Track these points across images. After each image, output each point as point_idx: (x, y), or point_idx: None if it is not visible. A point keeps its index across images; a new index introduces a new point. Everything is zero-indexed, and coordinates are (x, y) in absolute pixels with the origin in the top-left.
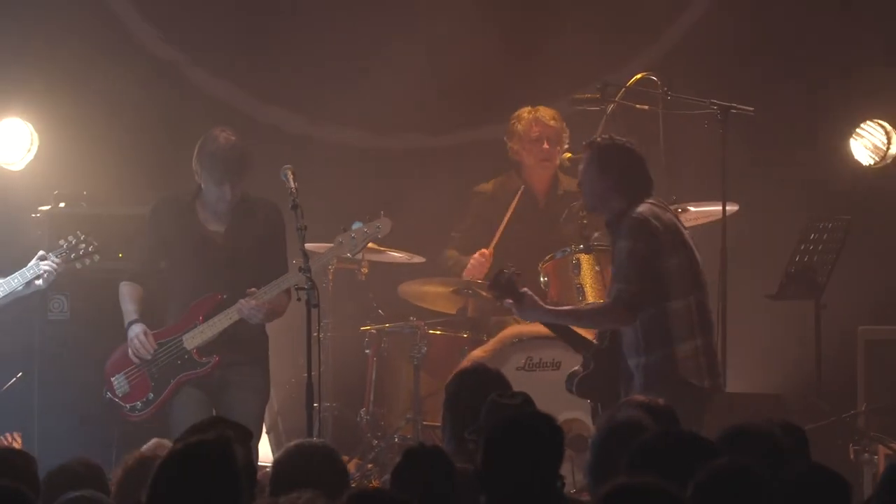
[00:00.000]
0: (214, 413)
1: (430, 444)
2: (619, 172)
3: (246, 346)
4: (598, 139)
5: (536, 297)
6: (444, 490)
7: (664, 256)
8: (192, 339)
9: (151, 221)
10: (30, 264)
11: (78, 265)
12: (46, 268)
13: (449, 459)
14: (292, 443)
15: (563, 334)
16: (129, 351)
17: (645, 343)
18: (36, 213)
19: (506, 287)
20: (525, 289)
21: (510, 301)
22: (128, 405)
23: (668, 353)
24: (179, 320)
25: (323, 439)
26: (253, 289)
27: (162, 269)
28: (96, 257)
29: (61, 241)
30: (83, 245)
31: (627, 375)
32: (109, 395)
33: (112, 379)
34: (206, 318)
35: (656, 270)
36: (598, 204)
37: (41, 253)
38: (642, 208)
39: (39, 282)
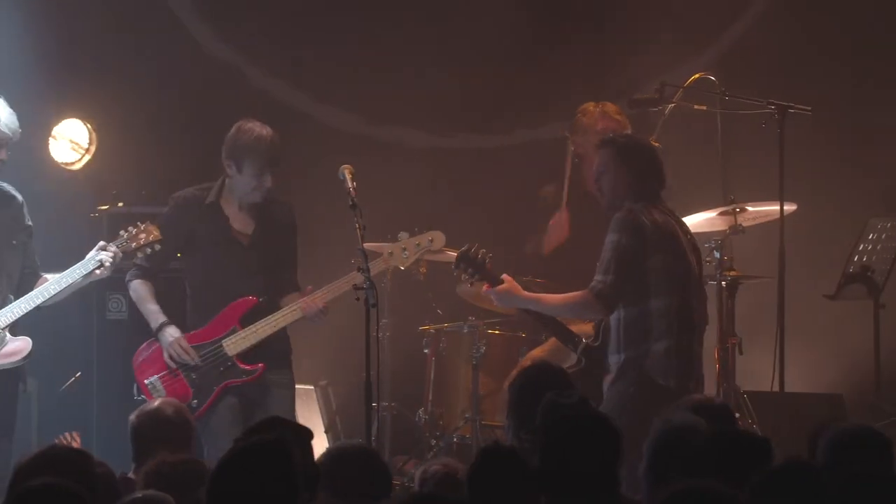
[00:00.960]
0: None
1: (505, 444)
2: (639, 171)
3: (275, 345)
4: (618, 137)
5: (516, 283)
6: (517, 490)
7: (648, 253)
8: (234, 346)
9: (170, 219)
10: (90, 254)
11: (139, 255)
12: (106, 256)
13: (523, 459)
14: (333, 445)
15: (552, 327)
16: (166, 354)
17: (624, 341)
18: (95, 213)
19: (478, 266)
20: (505, 274)
21: (486, 285)
22: None
23: (644, 351)
24: (211, 323)
25: (360, 440)
26: (310, 287)
27: (171, 268)
28: (157, 247)
29: (121, 231)
30: (144, 234)
31: (608, 370)
32: (143, 397)
33: (145, 381)
34: (243, 323)
35: (638, 266)
36: (618, 202)
37: (101, 243)
38: (637, 206)
39: (100, 271)
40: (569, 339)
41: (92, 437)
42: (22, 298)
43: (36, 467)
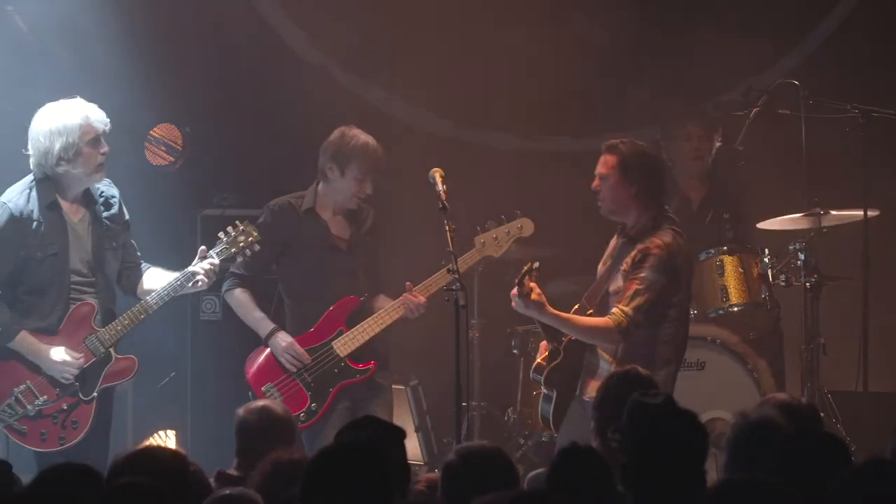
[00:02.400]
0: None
1: (584, 443)
2: (643, 182)
3: (377, 345)
4: (621, 143)
5: (544, 300)
6: (598, 489)
7: (676, 291)
8: (345, 347)
9: (268, 227)
10: (193, 263)
11: (239, 258)
12: (206, 267)
13: (602, 458)
14: (461, 446)
15: (543, 325)
16: (282, 360)
17: (623, 356)
18: (190, 215)
19: (522, 276)
20: (533, 284)
21: (515, 288)
22: None
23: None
24: (317, 327)
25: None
26: (410, 283)
27: (269, 275)
28: (256, 247)
29: (220, 235)
30: (242, 236)
31: (589, 369)
32: None
33: (262, 389)
34: (349, 324)
35: (664, 304)
36: (616, 210)
37: (202, 249)
38: (668, 238)
39: (200, 284)
40: (554, 336)
41: (186, 436)
42: (126, 314)
43: (131, 465)
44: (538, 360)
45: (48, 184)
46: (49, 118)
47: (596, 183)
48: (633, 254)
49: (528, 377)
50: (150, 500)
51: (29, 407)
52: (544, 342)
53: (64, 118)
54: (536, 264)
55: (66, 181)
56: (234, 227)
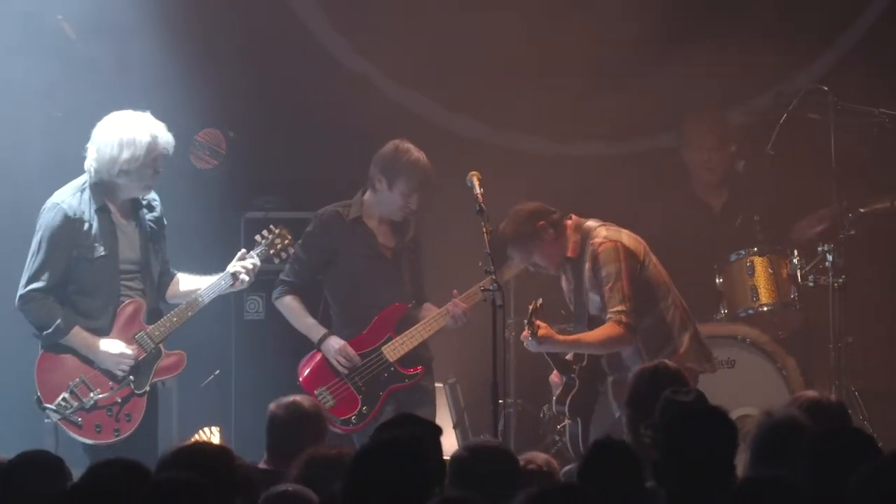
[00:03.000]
0: None
1: (617, 438)
2: (546, 234)
3: (423, 351)
4: (508, 232)
5: (552, 331)
6: (629, 483)
7: (640, 266)
8: (394, 352)
9: (317, 235)
10: (232, 263)
11: (276, 260)
12: (248, 266)
13: (634, 453)
14: (469, 442)
15: (553, 356)
16: (333, 363)
17: (647, 349)
18: (234, 217)
19: (530, 317)
20: (539, 322)
21: (525, 332)
22: (340, 419)
23: (673, 349)
24: (366, 332)
25: (497, 439)
26: (456, 291)
27: (319, 282)
28: (291, 249)
29: (257, 238)
30: (279, 239)
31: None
32: None
33: (315, 392)
34: (398, 329)
35: (640, 282)
36: (560, 262)
37: (242, 252)
38: (597, 232)
39: (243, 282)
40: (565, 368)
41: (230, 433)
42: (174, 312)
43: (179, 460)
44: (557, 394)
45: (101, 188)
46: (120, 129)
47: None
48: (586, 268)
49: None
50: (192, 495)
51: (84, 400)
52: (555, 375)
53: (135, 132)
54: (540, 301)
55: (119, 189)
56: (270, 230)
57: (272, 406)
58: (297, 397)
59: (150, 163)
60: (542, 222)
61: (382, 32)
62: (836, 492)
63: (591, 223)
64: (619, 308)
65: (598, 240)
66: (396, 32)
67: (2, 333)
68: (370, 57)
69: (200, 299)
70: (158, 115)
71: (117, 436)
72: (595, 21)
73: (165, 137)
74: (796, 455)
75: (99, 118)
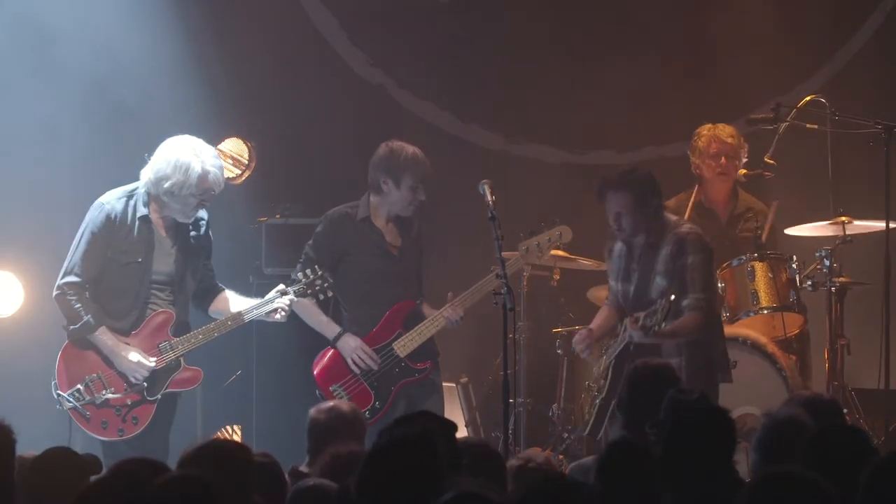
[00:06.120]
0: None
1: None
2: (655, 206)
3: (430, 346)
4: (631, 180)
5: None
6: (643, 481)
7: (713, 261)
8: (404, 348)
9: (327, 235)
10: (269, 296)
11: (312, 300)
12: (287, 303)
13: (649, 452)
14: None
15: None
16: (349, 361)
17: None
18: (254, 224)
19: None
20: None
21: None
22: None
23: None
24: (377, 329)
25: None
26: (451, 293)
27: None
28: (330, 293)
29: (300, 275)
30: (319, 281)
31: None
32: None
33: (330, 388)
34: (406, 326)
35: (713, 274)
36: (636, 234)
37: (281, 287)
38: (684, 225)
39: (278, 316)
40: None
41: (251, 432)
42: (201, 329)
43: (199, 458)
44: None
45: (147, 198)
46: (180, 152)
47: (613, 218)
48: (664, 252)
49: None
50: (208, 491)
51: (96, 395)
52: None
53: (192, 160)
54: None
55: (163, 206)
56: (314, 271)
57: (313, 411)
58: (336, 402)
59: (197, 194)
60: (661, 200)
61: (398, 45)
62: (835, 484)
63: (668, 214)
64: (700, 295)
65: (684, 228)
66: (412, 45)
67: (25, 331)
68: (386, 69)
69: (230, 323)
70: (185, 127)
71: (121, 435)
72: (607, 37)
73: (217, 174)
74: (798, 450)
75: (129, 132)
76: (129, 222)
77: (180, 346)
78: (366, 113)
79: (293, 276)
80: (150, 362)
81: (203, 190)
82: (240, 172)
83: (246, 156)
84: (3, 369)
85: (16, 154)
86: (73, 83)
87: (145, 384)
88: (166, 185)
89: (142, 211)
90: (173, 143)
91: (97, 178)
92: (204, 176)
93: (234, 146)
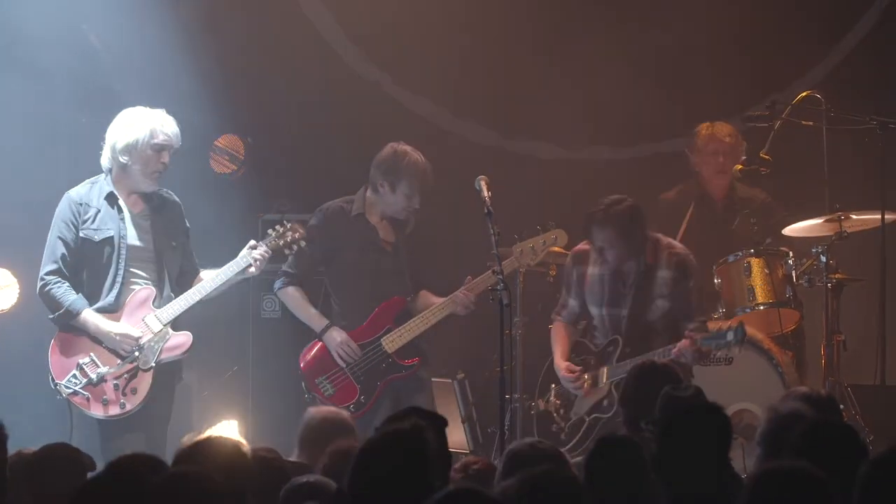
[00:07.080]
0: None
1: (620, 433)
2: (640, 237)
3: (420, 343)
4: (614, 216)
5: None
6: (631, 476)
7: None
8: (392, 343)
9: (321, 229)
10: (241, 253)
11: (286, 251)
12: (257, 256)
13: (638, 446)
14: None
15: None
16: (335, 354)
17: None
18: (251, 219)
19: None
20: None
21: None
22: (339, 407)
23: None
24: (366, 324)
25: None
26: (469, 276)
27: (320, 274)
28: (302, 243)
29: (269, 231)
30: (290, 233)
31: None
32: (316, 396)
33: (316, 381)
34: (396, 322)
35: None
36: (622, 263)
37: (252, 242)
38: (678, 246)
39: (252, 269)
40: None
41: (247, 425)
42: (182, 296)
43: (194, 454)
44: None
45: (110, 178)
46: (126, 115)
47: (599, 251)
48: (665, 275)
49: None
50: (204, 487)
51: (92, 376)
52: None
53: (139, 118)
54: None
55: (125, 176)
56: (283, 225)
57: (311, 409)
58: (334, 409)
59: (152, 149)
60: (647, 231)
61: (394, 41)
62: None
63: (656, 234)
64: (704, 318)
65: (680, 249)
66: (408, 41)
67: (20, 331)
68: (382, 65)
69: (208, 286)
70: (181, 123)
71: (123, 409)
72: (601, 33)
73: (170, 129)
74: (793, 443)
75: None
76: (94, 203)
77: (164, 315)
78: (362, 108)
79: (269, 231)
80: (136, 332)
81: (157, 142)
82: (236, 168)
83: (242, 152)
84: None
85: (11, 151)
86: (69, 81)
87: (137, 354)
88: (120, 145)
89: (107, 189)
90: (118, 116)
91: (92, 174)
92: (155, 129)
93: (230, 142)
